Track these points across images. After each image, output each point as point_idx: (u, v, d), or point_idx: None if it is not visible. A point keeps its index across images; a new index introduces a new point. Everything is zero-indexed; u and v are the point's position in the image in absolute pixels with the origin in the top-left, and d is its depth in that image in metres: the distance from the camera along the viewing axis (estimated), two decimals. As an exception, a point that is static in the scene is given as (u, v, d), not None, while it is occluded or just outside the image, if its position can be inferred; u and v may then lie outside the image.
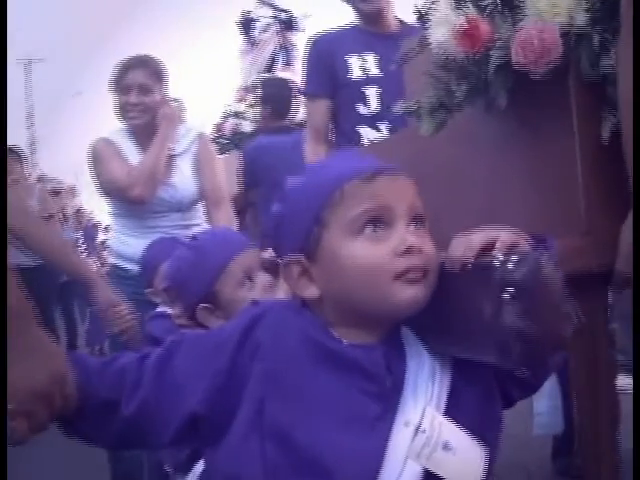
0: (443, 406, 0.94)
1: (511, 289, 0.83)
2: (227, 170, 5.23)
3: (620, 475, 1.43)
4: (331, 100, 2.61)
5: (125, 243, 2.60)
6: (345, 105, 2.57)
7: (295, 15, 6.06)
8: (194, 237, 1.63)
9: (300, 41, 5.86)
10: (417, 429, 0.91)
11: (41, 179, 7.25)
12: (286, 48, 5.88)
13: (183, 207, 2.59)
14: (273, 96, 4.01)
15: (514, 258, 0.84)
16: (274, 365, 0.94)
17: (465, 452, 0.94)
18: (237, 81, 6.00)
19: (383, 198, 0.94)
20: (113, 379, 0.96)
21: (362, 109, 2.55)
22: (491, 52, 1.29)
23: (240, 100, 5.38)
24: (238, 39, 6.22)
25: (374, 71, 2.56)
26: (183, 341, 1.00)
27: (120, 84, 2.56)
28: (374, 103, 2.54)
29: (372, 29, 2.62)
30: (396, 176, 0.96)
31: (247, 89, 5.45)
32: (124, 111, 2.58)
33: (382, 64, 2.53)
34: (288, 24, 6.01)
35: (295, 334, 0.96)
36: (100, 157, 2.59)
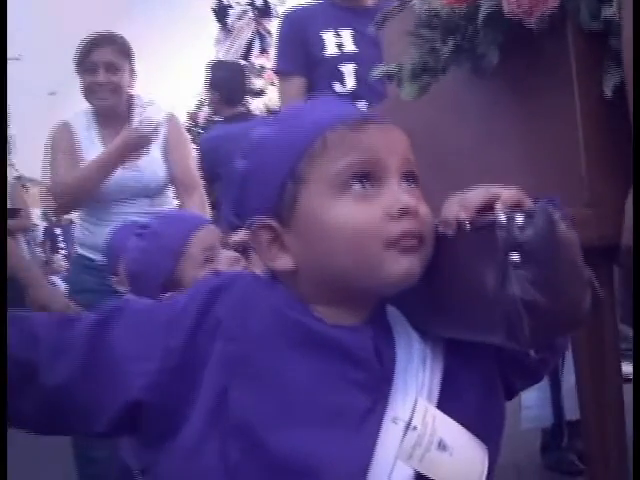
0: (436, 397, 0.80)
1: (519, 252, 0.69)
2: None
3: (627, 461, 1.32)
4: (305, 78, 2.47)
5: (89, 231, 2.47)
6: (320, 83, 2.43)
7: (270, 1, 5.98)
8: (145, 225, 1.50)
9: (276, 28, 5.79)
10: (407, 426, 0.77)
11: (20, 179, 7.14)
12: (262, 35, 5.81)
13: (150, 192, 2.45)
14: (222, 81, 3.76)
15: (522, 214, 0.70)
16: (239, 348, 0.79)
17: (463, 452, 0.80)
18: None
19: (373, 150, 0.79)
20: (27, 335, 0.78)
21: (338, 87, 2.41)
22: (480, 1, 1.15)
23: (214, 88, 5.28)
24: (213, 27, 6.12)
25: (350, 47, 2.43)
26: (125, 309, 0.83)
27: (86, 63, 2.43)
28: (350, 81, 2.41)
29: (347, 3, 2.48)
30: (387, 126, 0.82)
31: (222, 77, 5.38)
32: (91, 92, 2.44)
33: (358, 40, 2.41)
34: (263, 11, 5.94)
35: (266, 311, 0.81)
36: (52, 149, 2.46)
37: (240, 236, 1.34)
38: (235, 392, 0.78)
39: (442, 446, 0.78)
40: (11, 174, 8.18)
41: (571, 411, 2.47)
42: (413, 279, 0.78)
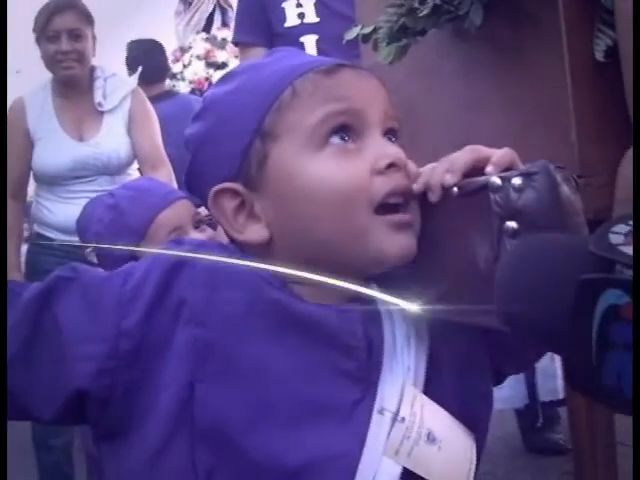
0: (422, 382, 0.72)
1: (516, 218, 0.60)
2: None
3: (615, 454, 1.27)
4: (267, 49, 2.36)
5: (49, 210, 2.37)
6: None
7: (231, -27, 5.84)
8: (111, 194, 1.39)
9: (235, 1, 5.67)
10: (395, 417, 0.68)
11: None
12: (223, 8, 5.67)
13: (111, 170, 2.34)
14: (139, 60, 3.59)
15: (519, 175, 0.61)
16: (207, 333, 0.68)
17: (452, 444, 0.72)
18: (172, 43, 5.77)
19: (351, 98, 0.69)
20: None
21: None
22: (463, -45, 1.07)
23: (176, 61, 5.15)
24: (173, -1, 5.97)
25: (312, 18, 2.33)
26: (74, 281, 0.70)
27: (47, 31, 2.32)
28: (312, 52, 2.31)
29: None
30: (363, 72, 0.72)
31: (183, 50, 5.26)
32: (55, 61, 2.34)
33: (321, 9, 2.32)
34: (224, -17, 5.79)
35: (237, 289, 0.70)
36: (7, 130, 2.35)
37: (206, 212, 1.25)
38: (203, 386, 0.67)
39: (431, 438, 0.71)
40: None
41: (545, 392, 2.44)
42: (408, 259, 0.69)
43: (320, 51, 2.28)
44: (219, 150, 0.72)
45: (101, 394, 0.67)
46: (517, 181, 0.61)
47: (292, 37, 2.32)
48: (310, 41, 2.32)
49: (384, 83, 0.74)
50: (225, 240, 0.79)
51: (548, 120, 1.13)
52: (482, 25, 1.13)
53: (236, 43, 2.60)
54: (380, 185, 0.68)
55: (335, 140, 0.69)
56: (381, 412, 0.69)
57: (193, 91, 4.92)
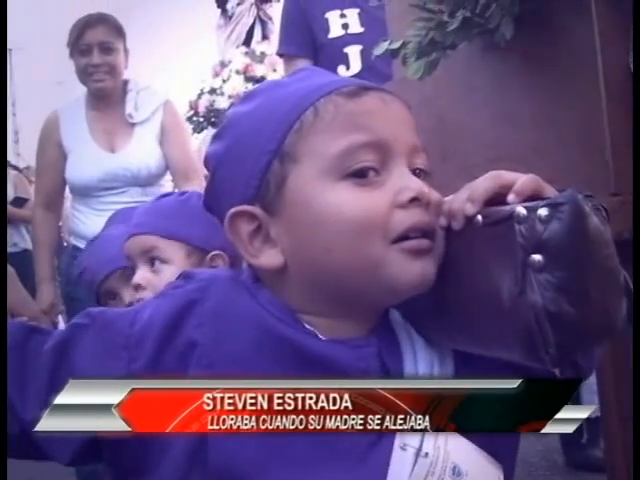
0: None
1: (542, 251, 0.57)
2: (203, 149, 5.09)
3: None
4: (311, 60, 2.35)
5: (81, 221, 2.40)
6: (325, 66, 2.30)
7: (271, -14, 5.88)
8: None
9: (276, 13, 5.71)
10: (418, 453, 0.66)
11: (28, 169, 7.10)
12: (263, 21, 5.72)
13: (142, 181, 2.36)
14: None
15: (545, 205, 0.58)
16: (219, 374, 0.66)
17: (479, 477, 0.69)
18: (214, 57, 5.83)
19: (375, 128, 0.67)
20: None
21: (342, 70, 2.29)
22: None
23: (216, 75, 5.21)
24: (214, 13, 6.03)
25: (356, 28, 2.30)
26: (90, 327, 0.71)
27: (79, 45, 2.37)
28: (356, 63, 2.29)
29: None
30: (390, 97, 0.70)
31: (222, 64, 5.31)
32: (86, 74, 2.39)
33: (365, 19, 2.29)
34: (264, -4, 5.83)
35: (246, 324, 0.68)
36: (40, 142, 2.43)
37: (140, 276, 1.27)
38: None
39: (456, 472, 0.68)
40: (19, 165, 8.11)
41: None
42: (426, 287, 0.66)
43: (364, 62, 2.25)
44: (237, 170, 0.71)
45: (113, 438, 0.67)
46: (543, 212, 0.58)
47: (336, 48, 2.32)
48: (354, 52, 2.30)
49: (409, 107, 0.71)
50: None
51: (581, 136, 1.09)
52: (513, 38, 1.10)
53: (281, 54, 2.58)
54: (400, 219, 0.66)
55: (358, 170, 0.67)
56: (403, 448, 0.67)
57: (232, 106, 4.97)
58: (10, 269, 2.05)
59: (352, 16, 2.32)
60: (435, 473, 0.67)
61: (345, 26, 2.32)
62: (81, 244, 2.36)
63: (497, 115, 1.25)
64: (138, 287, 1.26)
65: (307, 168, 0.68)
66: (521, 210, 0.59)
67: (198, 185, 2.43)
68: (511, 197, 0.62)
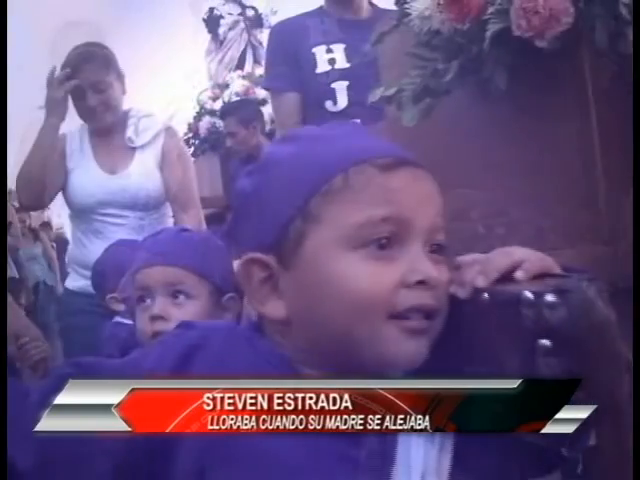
0: (446, 471, 0.68)
1: (549, 336, 0.58)
2: (205, 172, 5.10)
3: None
4: (299, 93, 2.34)
5: (83, 245, 2.39)
6: (312, 101, 2.30)
7: (262, 12, 5.92)
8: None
9: (267, 38, 5.73)
10: None
11: (11, 194, 7.07)
12: (254, 45, 5.74)
13: (140, 205, 2.34)
14: None
15: (552, 292, 0.59)
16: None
17: None
18: (202, 81, 5.84)
19: (401, 204, 0.67)
20: None
21: (330, 105, 2.28)
22: (486, 18, 1.05)
23: (215, 99, 5.22)
24: (203, 38, 6.05)
25: (342, 63, 2.30)
26: (78, 374, 0.70)
27: (72, 90, 2.31)
28: (343, 99, 2.28)
29: (340, 13, 2.33)
30: (421, 173, 0.70)
31: (220, 87, 5.33)
32: (85, 116, 2.38)
33: (351, 55, 2.26)
34: (255, 21, 5.87)
35: (244, 372, 0.69)
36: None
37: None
38: (212, 473, 0.67)
39: None
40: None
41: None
42: (415, 365, 0.67)
43: (350, 97, 2.26)
44: (260, 217, 0.71)
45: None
46: (550, 298, 0.59)
47: (323, 83, 2.28)
48: (341, 87, 2.29)
49: (438, 184, 0.72)
50: None
51: (575, 186, 1.10)
52: (506, 86, 1.11)
53: (267, 88, 2.58)
54: (404, 299, 0.66)
55: (374, 244, 0.67)
56: None
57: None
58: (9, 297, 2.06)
59: (338, 51, 2.30)
60: None
61: (332, 61, 2.30)
62: (82, 270, 2.34)
63: (484, 162, 1.25)
64: (159, 318, 1.23)
65: (327, 232, 0.68)
66: (528, 295, 0.60)
67: (195, 215, 2.42)
68: (519, 274, 0.64)
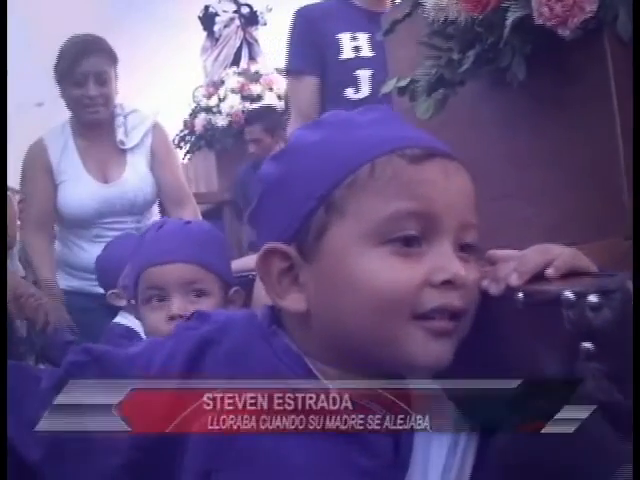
0: None
1: (593, 339, 0.54)
2: (200, 168, 5.08)
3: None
4: (319, 78, 2.30)
5: (75, 254, 2.36)
6: (333, 88, 2.27)
7: (257, 9, 5.90)
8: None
9: (262, 35, 5.74)
10: None
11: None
12: (249, 43, 5.72)
13: (138, 209, 2.31)
14: None
15: (595, 292, 0.55)
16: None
17: None
18: (198, 78, 5.83)
19: (430, 200, 0.64)
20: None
21: (350, 93, 2.24)
22: (506, 6, 1.01)
23: (210, 96, 5.20)
24: (199, 36, 6.02)
25: (366, 52, 2.26)
26: (90, 365, 0.70)
27: (73, 75, 2.27)
28: (365, 87, 2.24)
29: (365, 5, 2.30)
30: (453, 165, 0.67)
31: (215, 84, 5.31)
32: (81, 105, 2.30)
33: (374, 45, 2.23)
34: (250, 19, 5.85)
35: (256, 368, 0.67)
36: (25, 169, 2.35)
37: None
38: (219, 475, 0.65)
39: None
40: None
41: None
42: (441, 367, 0.64)
43: (373, 86, 2.21)
44: (283, 206, 0.68)
45: None
46: (593, 299, 0.56)
47: (347, 69, 2.26)
48: (365, 75, 2.25)
49: (471, 178, 0.69)
50: None
51: (596, 178, 1.07)
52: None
53: (288, 70, 2.52)
54: (429, 298, 0.63)
55: (399, 241, 0.64)
56: None
57: (230, 124, 4.94)
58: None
59: (363, 40, 2.28)
60: None
61: (356, 49, 2.27)
62: (75, 278, 2.31)
63: (503, 153, 1.22)
64: (178, 318, 1.20)
65: (350, 225, 0.65)
66: (569, 295, 0.57)
67: (191, 211, 2.39)
68: (550, 271, 0.61)
